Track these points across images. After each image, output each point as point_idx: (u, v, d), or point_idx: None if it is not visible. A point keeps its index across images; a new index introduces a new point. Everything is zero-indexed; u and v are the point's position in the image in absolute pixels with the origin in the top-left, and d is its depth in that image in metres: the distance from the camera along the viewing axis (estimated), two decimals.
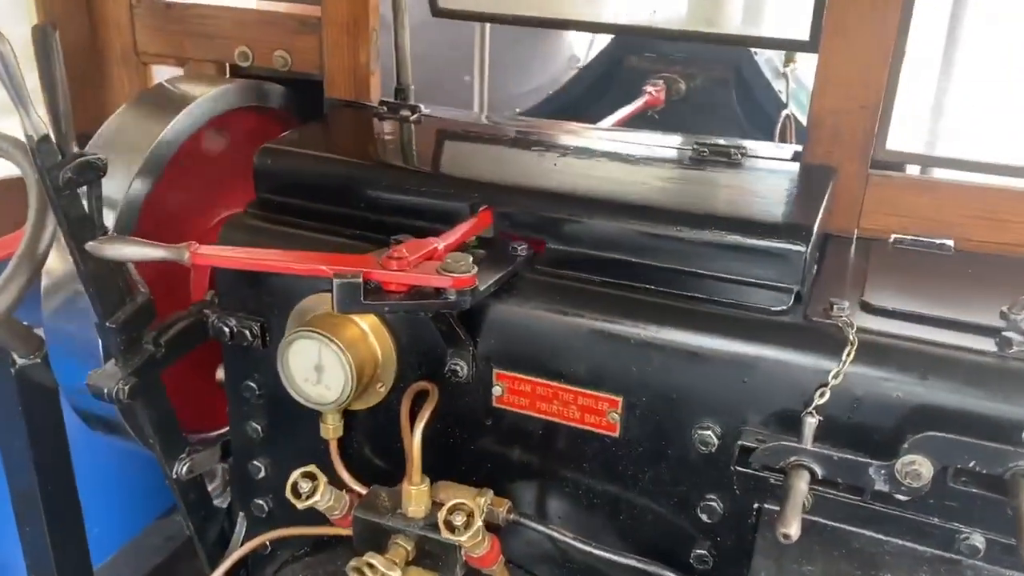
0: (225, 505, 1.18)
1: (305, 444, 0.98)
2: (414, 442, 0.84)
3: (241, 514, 1.10)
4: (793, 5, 1.05)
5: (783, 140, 1.42)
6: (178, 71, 1.26)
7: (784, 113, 1.41)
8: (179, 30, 1.22)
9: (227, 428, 1.15)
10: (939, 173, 0.97)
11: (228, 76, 1.23)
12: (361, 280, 0.72)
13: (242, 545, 1.05)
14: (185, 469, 0.98)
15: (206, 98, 1.07)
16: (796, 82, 1.53)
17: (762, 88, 1.55)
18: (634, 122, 1.42)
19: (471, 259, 0.76)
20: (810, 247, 0.80)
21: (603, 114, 1.68)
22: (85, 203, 0.79)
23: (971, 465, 0.70)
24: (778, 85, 1.55)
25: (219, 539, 1.11)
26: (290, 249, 0.91)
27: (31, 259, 0.85)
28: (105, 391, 0.86)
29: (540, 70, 1.89)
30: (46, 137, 0.74)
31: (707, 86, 1.57)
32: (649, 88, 1.50)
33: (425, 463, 0.86)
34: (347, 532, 0.89)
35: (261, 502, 1.07)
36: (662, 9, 1.10)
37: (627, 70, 1.61)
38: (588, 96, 1.67)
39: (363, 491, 0.93)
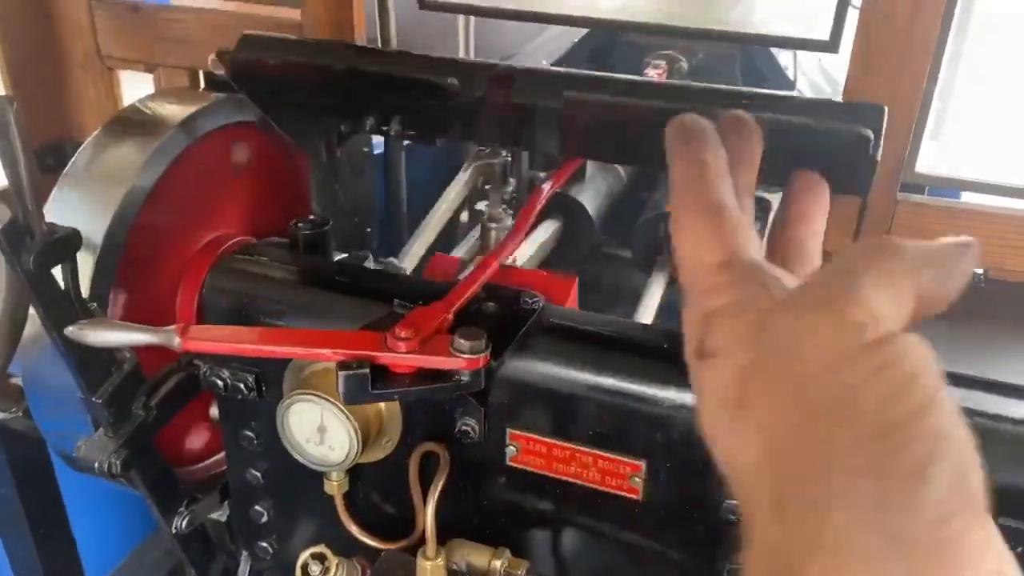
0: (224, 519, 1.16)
1: (309, 489, 0.94)
2: (427, 516, 0.80)
3: (245, 553, 1.07)
4: (812, 2, 0.98)
5: None
6: (147, 77, 1.17)
7: (793, 95, 1.34)
8: (148, 34, 1.12)
9: (217, 457, 1.12)
10: (971, 197, 0.91)
11: (203, 84, 1.14)
12: (368, 372, 0.67)
13: None
14: (185, 523, 0.95)
15: (185, 119, 0.99)
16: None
17: (768, 66, 1.47)
18: None
19: (484, 337, 0.70)
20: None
21: None
22: (61, 279, 0.73)
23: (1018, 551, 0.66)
24: (784, 61, 1.47)
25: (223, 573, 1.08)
26: (286, 294, 0.87)
27: (8, 337, 0.79)
28: (96, 466, 0.81)
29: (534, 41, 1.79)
30: (12, 220, 0.67)
31: (710, 64, 1.49)
32: (650, 72, 1.42)
33: (437, 520, 0.83)
34: None
35: (265, 544, 1.03)
36: (665, 2, 1.02)
37: (624, 45, 1.52)
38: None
39: (372, 543, 0.90)
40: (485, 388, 0.78)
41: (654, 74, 1.41)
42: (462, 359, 0.68)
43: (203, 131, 1.03)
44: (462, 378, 0.69)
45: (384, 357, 0.69)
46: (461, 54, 1.68)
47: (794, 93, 1.22)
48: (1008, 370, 0.71)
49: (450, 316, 0.74)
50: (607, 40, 1.53)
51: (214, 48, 1.10)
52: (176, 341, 0.71)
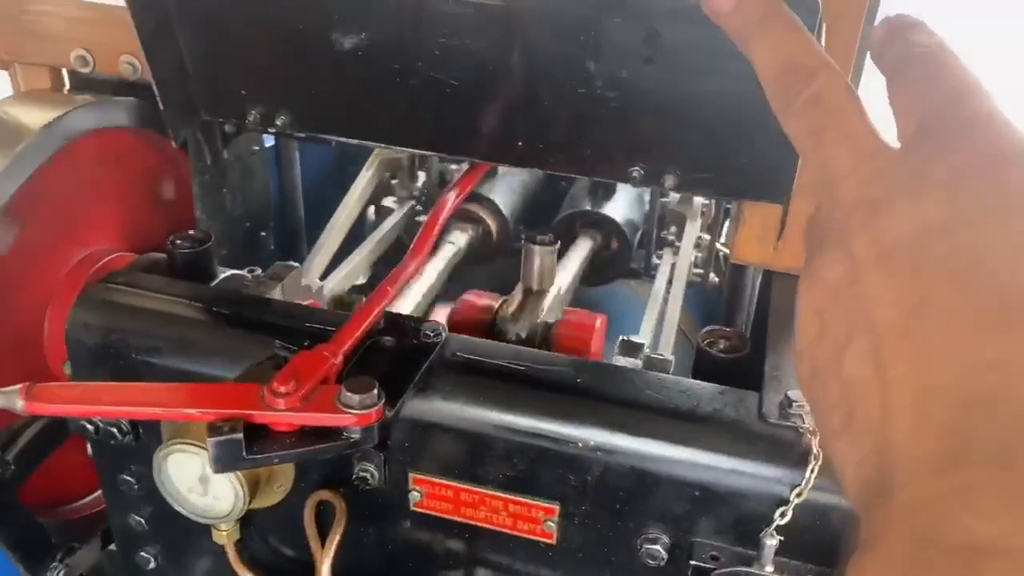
0: None
1: (199, 533, 0.86)
2: (323, 571, 0.73)
3: None
4: None
5: None
6: (2, 75, 1.04)
7: None
8: (3, 28, 1.00)
9: (95, 494, 1.03)
10: None
11: (67, 84, 1.02)
12: (242, 436, 0.59)
13: None
14: None
15: (49, 125, 0.89)
16: None
17: None
18: None
19: (375, 388, 0.63)
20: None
21: None
22: None
23: None
24: None
25: None
26: (157, 329, 0.78)
27: None
28: None
29: None
30: None
31: None
32: None
33: (339, 566, 0.76)
34: None
35: None
36: None
37: None
38: None
39: None
40: (383, 433, 0.70)
41: None
42: (351, 415, 0.61)
43: (69, 138, 0.92)
44: (352, 436, 0.62)
45: (261, 416, 0.61)
46: None
47: None
48: None
49: (339, 360, 0.67)
50: None
51: (77, 45, 0.98)
52: (19, 405, 0.61)
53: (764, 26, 0.47)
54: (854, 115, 0.42)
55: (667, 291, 1.17)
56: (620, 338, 0.84)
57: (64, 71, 1.02)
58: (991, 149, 0.36)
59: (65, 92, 1.01)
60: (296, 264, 0.95)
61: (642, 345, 0.82)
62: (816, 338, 0.39)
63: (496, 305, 0.91)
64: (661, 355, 0.83)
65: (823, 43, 0.75)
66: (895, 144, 0.41)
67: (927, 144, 0.39)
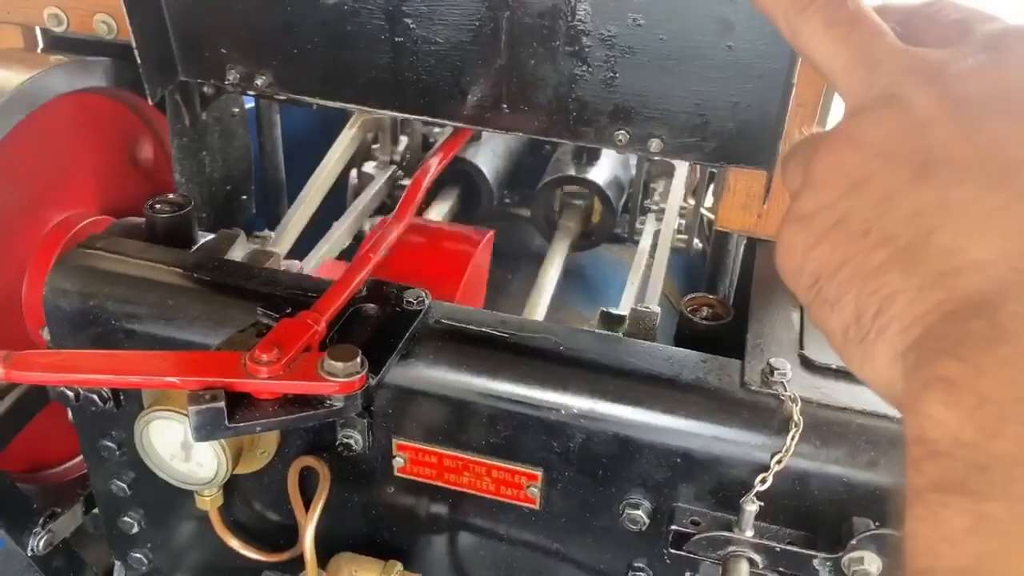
0: None
1: (183, 497, 0.86)
2: (306, 540, 0.73)
3: (118, 563, 0.98)
4: None
5: None
6: None
7: None
8: None
9: (76, 459, 1.02)
10: None
11: (40, 43, 1.00)
12: (223, 405, 0.58)
13: None
14: (43, 543, 0.86)
15: (22, 86, 0.86)
16: None
17: None
18: None
19: (359, 356, 0.63)
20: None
21: None
22: None
23: None
24: None
25: None
26: (137, 296, 0.77)
27: None
28: None
29: None
30: None
31: None
32: None
33: (322, 530, 0.77)
34: None
35: (139, 555, 0.95)
36: None
37: None
38: None
39: (254, 556, 0.83)
40: (366, 399, 0.70)
41: None
42: (334, 383, 0.61)
43: (43, 99, 0.90)
44: (335, 404, 0.61)
45: (243, 384, 0.60)
46: None
47: None
48: None
49: (322, 327, 0.66)
50: None
51: (49, 3, 0.96)
52: None
53: None
54: (877, 21, 0.43)
55: (651, 256, 1.17)
56: (600, 310, 0.84)
57: (37, 30, 0.99)
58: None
59: (38, 52, 0.99)
60: (275, 251, 0.93)
61: (623, 317, 0.82)
62: (849, 189, 0.40)
63: None
64: (647, 307, 0.83)
65: None
66: None
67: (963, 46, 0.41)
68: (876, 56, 0.42)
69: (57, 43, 0.99)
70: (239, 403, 0.61)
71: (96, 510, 0.95)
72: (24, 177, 0.93)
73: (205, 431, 0.59)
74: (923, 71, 0.40)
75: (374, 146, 1.31)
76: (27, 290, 0.95)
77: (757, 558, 0.68)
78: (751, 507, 0.67)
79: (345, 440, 0.75)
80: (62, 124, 0.95)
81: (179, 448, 0.76)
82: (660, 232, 1.22)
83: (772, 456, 0.66)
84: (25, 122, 0.88)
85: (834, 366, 0.71)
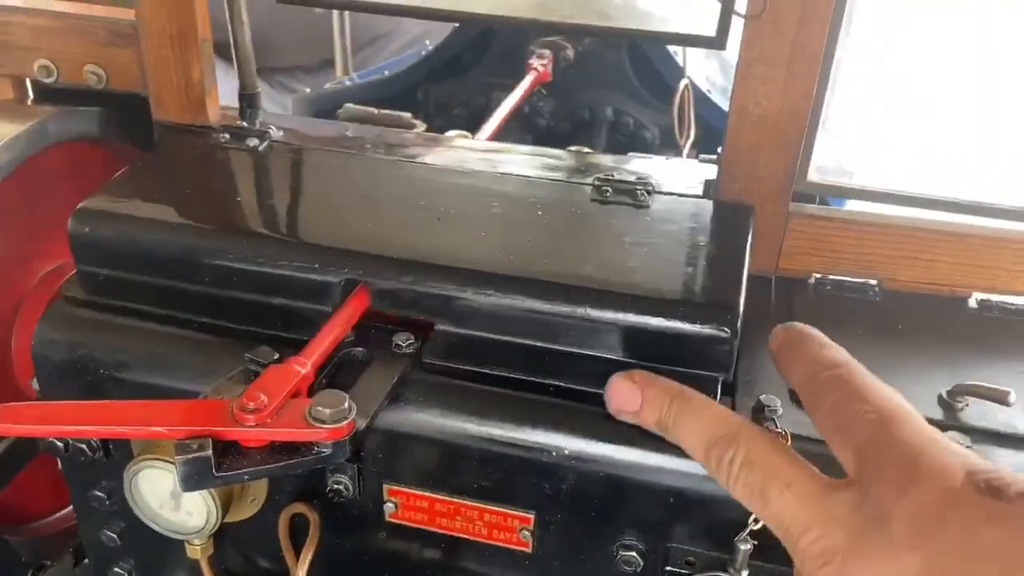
0: None
1: (174, 548, 0.85)
2: None
3: None
4: None
5: (682, 111, 1.30)
6: None
7: (683, 82, 1.29)
8: None
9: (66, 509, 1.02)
10: (863, 206, 0.88)
11: (31, 95, 1.01)
12: (210, 454, 0.58)
13: None
14: None
15: (7, 143, 0.87)
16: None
17: (657, 53, 1.41)
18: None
19: (346, 402, 0.62)
20: (738, 330, 0.70)
21: (482, 78, 1.51)
22: None
23: None
24: (673, 48, 1.42)
25: None
26: (123, 349, 0.77)
27: None
28: None
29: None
30: None
31: (596, 51, 1.42)
32: (535, 62, 1.34)
33: (314, 575, 0.76)
34: None
35: None
36: None
37: (508, 29, 1.44)
38: (465, 58, 1.49)
39: None
40: (356, 445, 0.70)
41: (538, 64, 1.33)
42: (322, 429, 0.61)
43: (33, 151, 0.91)
44: (323, 450, 0.61)
45: (231, 433, 0.60)
46: (336, 38, 1.57)
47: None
48: (907, 379, 0.67)
49: (309, 372, 0.66)
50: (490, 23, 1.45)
51: (40, 54, 0.97)
52: None
53: (675, 414, 0.53)
54: (784, 464, 0.46)
55: None
56: None
57: (28, 81, 1.00)
58: (939, 483, 0.40)
59: (29, 103, 1.00)
60: None
61: None
62: None
63: None
64: None
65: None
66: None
67: (875, 486, 0.42)
68: (793, 534, 0.45)
69: (46, 94, 1.00)
70: (227, 451, 0.60)
71: (86, 561, 0.94)
72: (14, 227, 0.94)
73: (193, 481, 0.59)
74: (836, 557, 0.42)
75: None
76: (16, 341, 0.95)
77: None
78: (745, 546, 0.66)
79: (335, 486, 0.74)
80: (53, 174, 0.96)
81: (168, 497, 0.75)
82: None
83: None
84: (16, 172, 0.88)
85: None
